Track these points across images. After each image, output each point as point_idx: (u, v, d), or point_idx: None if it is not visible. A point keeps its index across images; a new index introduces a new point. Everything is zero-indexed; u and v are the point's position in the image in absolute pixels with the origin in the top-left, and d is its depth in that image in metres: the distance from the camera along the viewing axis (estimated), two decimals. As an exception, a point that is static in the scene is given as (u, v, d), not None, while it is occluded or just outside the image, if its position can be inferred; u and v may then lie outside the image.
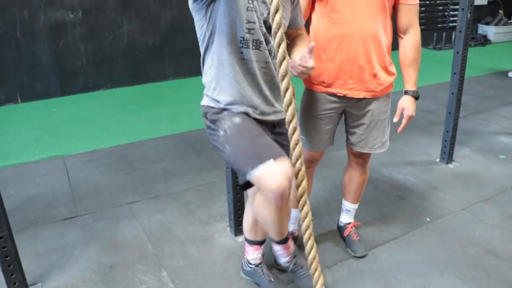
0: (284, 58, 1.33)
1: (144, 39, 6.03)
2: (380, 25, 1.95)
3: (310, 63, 1.50)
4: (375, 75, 2.02)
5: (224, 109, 1.69)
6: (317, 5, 2.02)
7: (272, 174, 1.50)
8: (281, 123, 1.79)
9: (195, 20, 1.67)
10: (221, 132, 1.67)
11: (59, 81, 5.63)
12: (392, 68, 2.10)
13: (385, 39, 2.00)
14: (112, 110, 5.06)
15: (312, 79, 2.10)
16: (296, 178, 1.50)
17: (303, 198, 1.52)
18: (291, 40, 1.77)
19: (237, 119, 1.65)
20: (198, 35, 1.70)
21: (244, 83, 1.66)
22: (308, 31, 2.07)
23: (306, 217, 1.53)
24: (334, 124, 2.18)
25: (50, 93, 5.57)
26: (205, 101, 1.78)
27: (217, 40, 1.62)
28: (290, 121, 1.41)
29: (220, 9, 1.56)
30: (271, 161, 1.52)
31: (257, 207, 1.74)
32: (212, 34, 1.62)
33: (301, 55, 1.55)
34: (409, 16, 2.02)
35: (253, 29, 1.60)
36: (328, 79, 2.04)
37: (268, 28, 1.61)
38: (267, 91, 1.72)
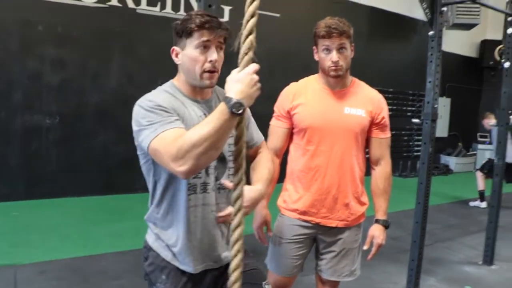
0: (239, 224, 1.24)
1: (118, 149, 6.10)
2: (354, 157, 2.06)
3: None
4: (347, 205, 2.07)
5: (165, 268, 1.57)
6: (295, 137, 2.13)
7: None
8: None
9: (140, 158, 1.57)
10: None
11: (24, 184, 5.51)
12: (364, 198, 2.17)
13: (358, 171, 2.09)
14: (75, 220, 4.90)
15: (287, 206, 2.14)
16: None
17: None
18: (251, 161, 1.73)
19: None
20: (144, 173, 1.59)
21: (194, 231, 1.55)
22: (285, 161, 2.16)
23: None
24: (305, 250, 2.17)
25: (14, 196, 5.41)
26: (150, 239, 1.64)
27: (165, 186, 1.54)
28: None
29: None
30: None
31: None
32: (160, 181, 1.54)
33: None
34: (381, 149, 2.14)
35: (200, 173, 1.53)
36: (302, 207, 2.09)
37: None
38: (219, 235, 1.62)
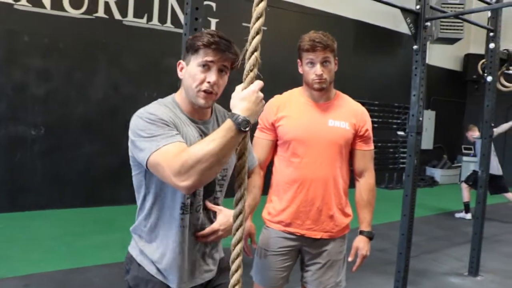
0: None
1: (103, 161, 6.06)
2: (338, 169, 2.08)
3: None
4: (331, 217, 2.09)
5: (149, 281, 1.54)
6: (279, 149, 2.15)
7: None
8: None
9: (133, 170, 1.54)
10: None
11: (8, 196, 5.44)
12: (348, 210, 2.19)
13: (342, 182, 2.12)
14: (60, 232, 4.84)
15: (271, 218, 2.15)
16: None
17: None
18: None
19: None
20: (135, 185, 1.56)
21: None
22: (270, 172, 2.18)
23: None
24: (290, 262, 2.17)
25: (-3, 208, 5.33)
26: (134, 252, 1.61)
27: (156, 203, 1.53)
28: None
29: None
30: None
31: None
32: (150, 194, 1.53)
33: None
34: (364, 161, 2.16)
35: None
36: (287, 219, 2.10)
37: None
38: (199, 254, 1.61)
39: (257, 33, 1.15)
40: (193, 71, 1.46)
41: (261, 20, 1.11)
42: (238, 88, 1.22)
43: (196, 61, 1.46)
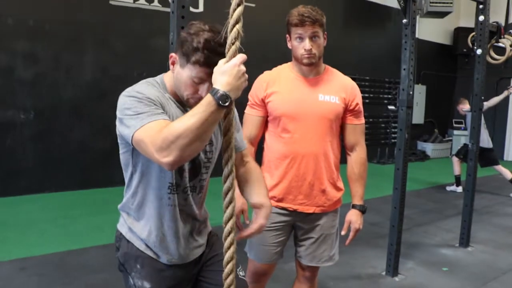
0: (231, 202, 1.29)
1: (95, 143, 6.03)
2: (328, 144, 2.09)
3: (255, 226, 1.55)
4: (323, 191, 2.10)
5: (139, 257, 1.57)
6: (270, 124, 2.15)
7: None
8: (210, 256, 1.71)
9: (120, 148, 1.54)
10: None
11: (0, 181, 5.41)
12: (340, 184, 2.20)
13: (333, 157, 2.12)
14: (54, 214, 4.84)
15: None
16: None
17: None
18: (236, 169, 1.62)
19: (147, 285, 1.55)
20: (122, 163, 1.56)
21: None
22: (261, 148, 2.18)
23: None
24: (284, 237, 2.19)
25: (-11, 193, 5.32)
26: (123, 229, 1.62)
27: (143, 180, 1.53)
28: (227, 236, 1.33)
29: None
30: None
31: None
32: (137, 173, 1.53)
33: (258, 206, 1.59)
34: (355, 135, 2.17)
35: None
36: (279, 194, 2.11)
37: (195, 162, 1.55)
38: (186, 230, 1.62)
39: (238, 5, 1.13)
40: (187, 82, 1.41)
41: None
42: (221, 62, 1.20)
43: (191, 71, 1.38)
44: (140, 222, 1.56)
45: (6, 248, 3.83)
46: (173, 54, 1.47)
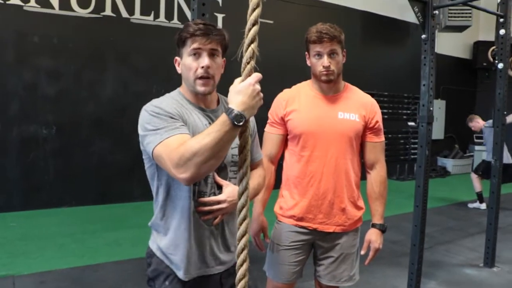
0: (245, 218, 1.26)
1: (115, 159, 6.10)
2: (349, 161, 2.07)
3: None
4: (343, 210, 2.08)
5: (167, 274, 1.58)
6: (289, 143, 2.14)
7: None
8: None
9: (145, 163, 1.59)
10: None
11: (22, 194, 5.51)
12: (361, 203, 2.17)
13: (354, 175, 2.10)
14: (73, 229, 4.88)
15: (283, 212, 2.14)
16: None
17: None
18: None
19: None
20: (148, 177, 1.60)
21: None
22: (281, 167, 2.18)
23: None
24: (303, 256, 2.16)
25: (11, 207, 5.41)
26: (154, 246, 1.64)
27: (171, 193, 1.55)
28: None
29: None
30: None
31: None
32: (163, 186, 1.56)
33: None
34: (375, 153, 2.14)
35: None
36: (299, 213, 2.09)
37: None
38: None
39: (254, 25, 1.13)
40: (186, 62, 1.52)
41: (257, 11, 1.10)
42: (236, 81, 1.21)
43: (186, 52, 1.51)
44: (166, 237, 1.57)
45: (27, 261, 3.87)
46: (176, 58, 1.59)
